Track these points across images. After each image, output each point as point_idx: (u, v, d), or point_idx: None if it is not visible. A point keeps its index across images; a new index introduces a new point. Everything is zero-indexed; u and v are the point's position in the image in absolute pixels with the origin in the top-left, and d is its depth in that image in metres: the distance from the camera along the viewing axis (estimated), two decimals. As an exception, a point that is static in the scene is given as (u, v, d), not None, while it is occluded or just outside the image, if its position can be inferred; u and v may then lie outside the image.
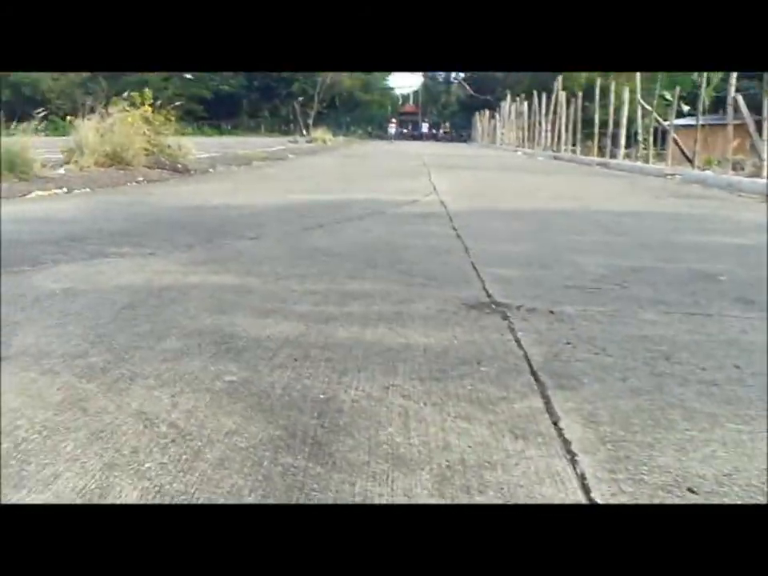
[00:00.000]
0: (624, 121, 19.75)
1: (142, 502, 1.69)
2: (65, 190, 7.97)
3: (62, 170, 9.23)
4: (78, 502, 1.58)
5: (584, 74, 51.37)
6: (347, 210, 6.33)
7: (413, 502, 1.60)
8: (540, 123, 30.47)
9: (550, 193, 9.19)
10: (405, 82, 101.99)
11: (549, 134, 29.21)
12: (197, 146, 13.98)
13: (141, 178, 9.69)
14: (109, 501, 1.56)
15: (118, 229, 5.03)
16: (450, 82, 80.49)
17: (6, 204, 6.59)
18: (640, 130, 18.95)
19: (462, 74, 78.72)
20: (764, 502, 2.45)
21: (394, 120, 57.33)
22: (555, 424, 1.75)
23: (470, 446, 1.62)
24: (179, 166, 11.27)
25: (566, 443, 1.65)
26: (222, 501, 1.56)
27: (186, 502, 1.66)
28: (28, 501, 1.56)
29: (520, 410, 1.84)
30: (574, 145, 24.87)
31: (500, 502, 1.52)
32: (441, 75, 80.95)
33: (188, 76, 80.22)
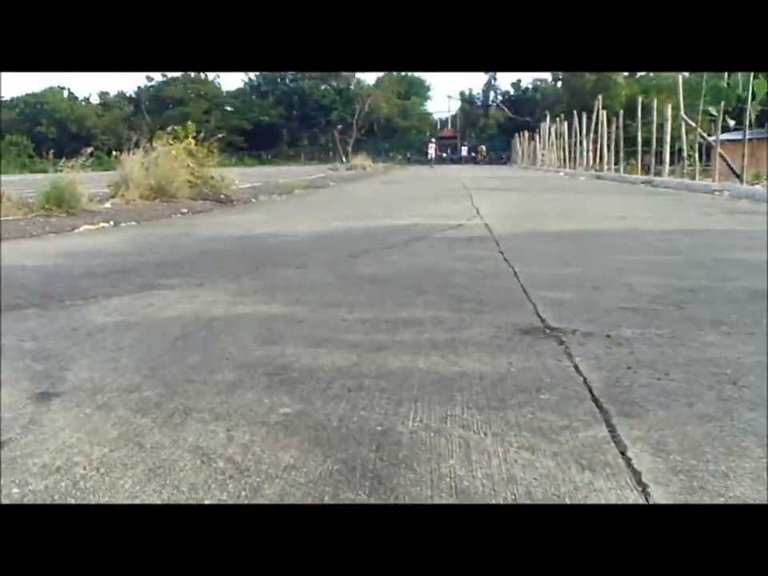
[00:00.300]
0: (668, 138, 19.58)
1: (141, 502, 1.68)
2: (111, 223, 8.11)
3: (108, 204, 9.42)
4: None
5: (624, 92, 51.29)
6: (392, 236, 6.31)
7: (413, 502, 1.56)
8: (581, 143, 30.32)
9: (595, 213, 9.08)
10: (442, 107, 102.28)
11: (591, 154, 29.04)
12: (239, 177, 14.14)
13: (185, 210, 9.82)
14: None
15: (164, 261, 5.08)
16: (488, 105, 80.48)
17: (56, 238, 6.76)
18: (685, 147, 18.77)
19: (500, 97, 78.86)
20: (764, 502, 2.40)
21: (433, 140, 55.39)
22: (623, 453, 1.69)
23: (535, 479, 1.57)
24: (222, 196, 11.41)
25: (636, 474, 1.59)
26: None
27: (186, 502, 1.63)
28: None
29: (584, 439, 1.78)
30: (616, 163, 24.67)
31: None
32: (479, 99, 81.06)
33: (228, 108, 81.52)
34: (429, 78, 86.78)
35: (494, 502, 1.50)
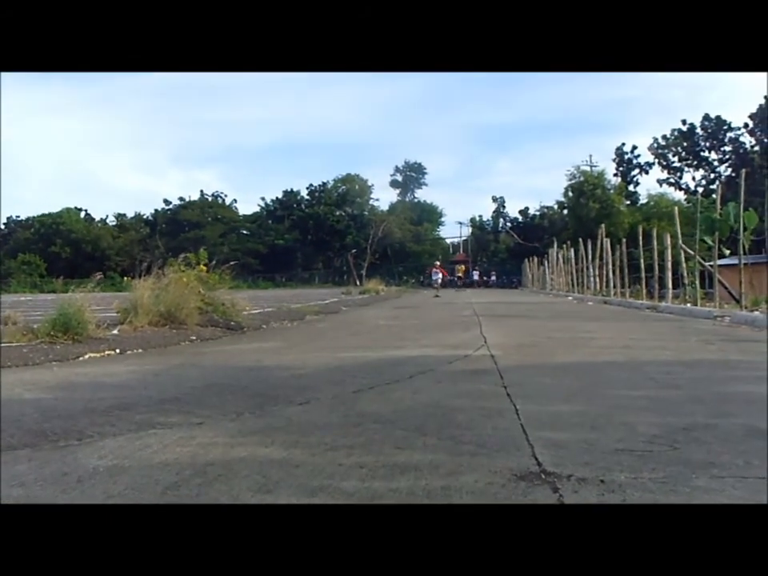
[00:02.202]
0: (669, 264, 20.07)
1: (140, 503, 1.64)
2: (117, 351, 8.14)
3: (115, 331, 9.46)
4: None
5: (627, 219, 52.36)
6: (398, 369, 6.33)
7: (412, 502, 1.52)
8: (588, 268, 30.94)
9: (600, 342, 9.07)
10: (454, 232, 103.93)
11: (597, 279, 29.67)
12: (251, 301, 14.26)
13: (194, 337, 9.88)
14: None
15: (168, 395, 5.08)
16: (498, 231, 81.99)
17: (59, 367, 6.79)
18: (685, 273, 19.17)
19: (509, 224, 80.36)
20: (764, 502, 2.30)
21: (437, 263, 49.10)
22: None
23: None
24: (233, 323, 11.48)
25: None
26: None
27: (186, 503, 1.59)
28: None
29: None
30: (623, 288, 25.02)
31: None
32: (489, 225, 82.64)
33: (244, 232, 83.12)
34: (441, 205, 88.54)
35: None
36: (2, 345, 7.78)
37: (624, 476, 2.82)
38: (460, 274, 49.66)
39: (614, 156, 71.06)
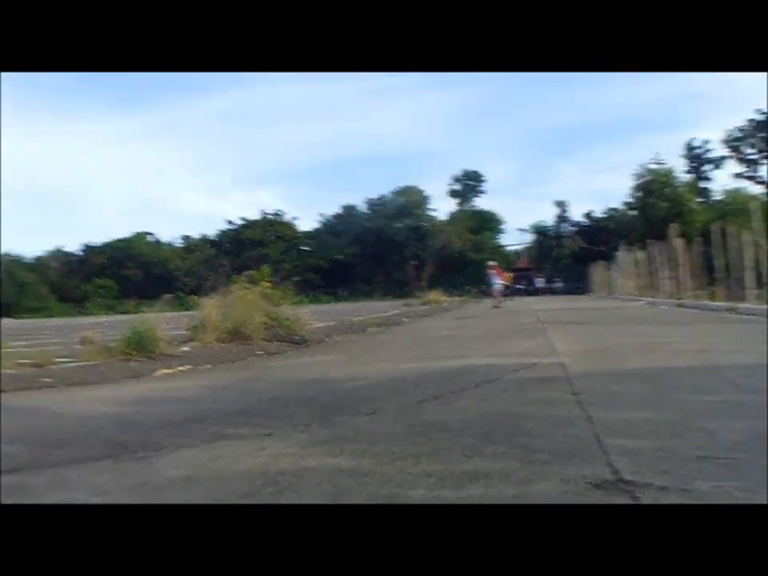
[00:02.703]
0: (748, 263, 19.19)
1: (140, 503, 1.62)
2: (188, 367, 8.32)
3: (186, 348, 9.67)
4: None
5: (700, 219, 50.76)
6: (463, 378, 6.26)
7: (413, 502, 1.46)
8: (659, 271, 29.80)
9: (675, 346, 8.81)
10: (515, 239, 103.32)
11: (670, 281, 28.45)
12: (314, 315, 14.34)
13: (260, 352, 10.00)
14: None
15: (237, 408, 5.15)
16: (561, 236, 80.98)
17: (134, 383, 7.01)
18: (766, 272, 18.36)
19: (572, 228, 79.29)
20: (764, 502, 2.20)
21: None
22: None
23: None
24: (297, 337, 11.57)
25: None
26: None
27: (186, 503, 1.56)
28: None
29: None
30: (698, 290, 24.08)
31: None
32: (551, 230, 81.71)
33: (305, 248, 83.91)
34: (500, 212, 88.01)
35: None
36: (81, 364, 8.08)
37: (707, 485, 2.70)
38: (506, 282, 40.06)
39: (683, 152, 68.32)
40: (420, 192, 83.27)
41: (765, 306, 15.98)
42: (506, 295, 35.80)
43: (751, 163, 62.51)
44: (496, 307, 27.98)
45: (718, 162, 66.18)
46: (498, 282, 32.00)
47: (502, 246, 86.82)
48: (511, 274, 42.42)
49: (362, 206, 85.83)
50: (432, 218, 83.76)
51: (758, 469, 2.89)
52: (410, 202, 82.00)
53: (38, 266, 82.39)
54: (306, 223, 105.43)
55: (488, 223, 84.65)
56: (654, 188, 57.46)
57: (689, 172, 66.04)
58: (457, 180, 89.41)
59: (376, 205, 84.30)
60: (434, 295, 38.16)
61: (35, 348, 9.65)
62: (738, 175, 62.49)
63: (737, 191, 57.60)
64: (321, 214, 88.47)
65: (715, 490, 2.63)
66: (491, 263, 38.23)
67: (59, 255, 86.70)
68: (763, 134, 59.74)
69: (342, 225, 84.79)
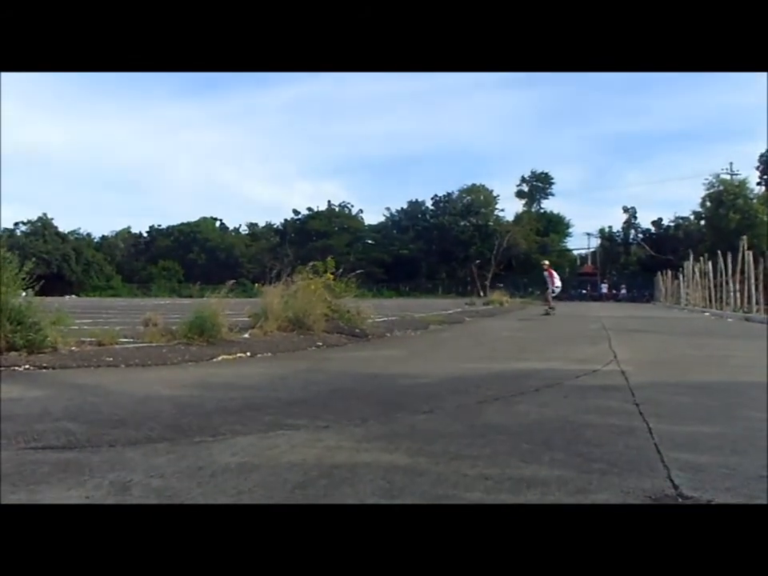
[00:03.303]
0: None
1: (139, 503, 1.63)
2: (248, 354, 8.40)
3: (246, 335, 9.76)
4: None
5: (772, 232, 49.43)
6: (523, 381, 6.21)
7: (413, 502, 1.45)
8: (727, 283, 29.16)
9: (740, 360, 8.60)
10: (582, 243, 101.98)
11: (738, 294, 27.84)
12: (375, 309, 14.38)
13: (320, 343, 10.05)
14: None
15: (295, 398, 5.19)
16: (629, 243, 79.76)
17: (194, 367, 7.13)
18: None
19: (640, 235, 78.07)
20: (764, 502, 2.13)
21: (546, 264, 29.95)
22: None
23: None
24: (357, 330, 11.60)
25: None
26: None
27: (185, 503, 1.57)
28: None
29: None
30: (766, 304, 23.52)
31: None
32: (619, 236, 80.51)
33: (370, 241, 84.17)
34: (568, 215, 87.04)
35: None
36: (143, 345, 8.27)
37: (772, 504, 2.63)
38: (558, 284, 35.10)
39: (757, 164, 67.06)
40: (487, 191, 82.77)
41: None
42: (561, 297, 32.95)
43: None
44: (547, 314, 23.48)
45: None
46: (558, 284, 26.20)
47: (569, 250, 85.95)
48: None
49: (429, 203, 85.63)
50: (498, 218, 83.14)
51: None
52: (477, 200, 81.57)
53: (105, 245, 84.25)
54: (372, 216, 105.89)
55: (555, 226, 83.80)
56: (725, 199, 56.50)
57: (762, 184, 64.54)
58: (525, 181, 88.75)
59: (443, 202, 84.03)
60: (497, 295, 37.98)
61: (98, 327, 9.85)
62: None
63: None
64: (387, 208, 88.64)
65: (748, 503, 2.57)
66: (545, 263, 36.50)
67: (126, 236, 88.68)
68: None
69: (408, 220, 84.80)
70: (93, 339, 8.15)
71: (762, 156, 65.71)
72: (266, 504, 2.58)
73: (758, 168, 65.95)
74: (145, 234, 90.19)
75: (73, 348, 7.60)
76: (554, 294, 25.64)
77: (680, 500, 2.69)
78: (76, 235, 79.94)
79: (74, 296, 55.11)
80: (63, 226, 77.90)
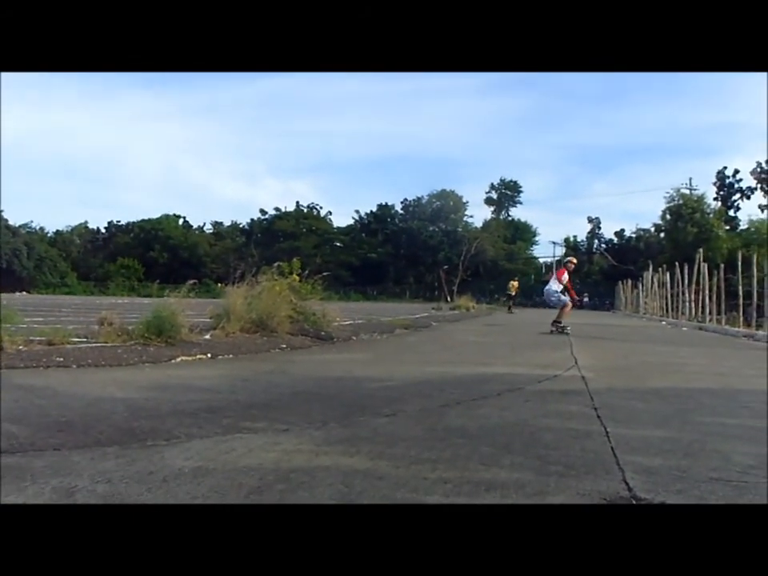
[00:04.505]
0: None
1: (139, 503, 1.63)
2: (209, 355, 8.24)
3: (207, 336, 9.61)
4: None
5: (726, 245, 50.96)
6: (486, 385, 6.25)
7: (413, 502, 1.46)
8: (683, 293, 30.18)
9: (694, 368, 8.77)
10: (547, 252, 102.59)
11: (693, 305, 28.92)
12: (342, 312, 14.34)
13: (284, 345, 9.97)
14: None
15: (255, 400, 5.14)
16: (592, 252, 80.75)
17: (151, 369, 6.96)
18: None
19: (603, 245, 79.19)
20: (764, 502, 2.18)
21: (515, 280, 41.33)
22: None
23: None
24: (323, 333, 11.55)
25: None
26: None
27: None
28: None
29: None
30: (719, 314, 24.23)
31: None
32: (583, 245, 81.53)
33: (338, 244, 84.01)
34: (535, 224, 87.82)
35: None
36: (97, 345, 8.04)
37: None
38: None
39: (714, 180, 69.16)
40: (457, 197, 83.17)
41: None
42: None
43: (778, 196, 63.20)
44: (561, 332, 16.63)
45: (746, 193, 67.38)
46: (558, 294, 18.10)
47: (535, 258, 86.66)
48: (516, 284, 40.72)
49: (398, 206, 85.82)
50: (467, 224, 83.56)
51: (769, 495, 2.87)
52: (447, 206, 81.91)
53: (60, 240, 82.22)
54: (341, 219, 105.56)
55: (522, 234, 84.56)
56: (684, 212, 58.38)
57: (718, 200, 66.85)
58: (494, 188, 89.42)
59: (412, 206, 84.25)
60: (464, 301, 38.22)
61: (50, 326, 9.45)
62: (765, 207, 63.11)
63: (762, 222, 58.90)
64: (356, 211, 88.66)
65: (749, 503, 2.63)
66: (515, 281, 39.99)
67: (83, 231, 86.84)
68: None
69: (377, 223, 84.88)
70: (43, 338, 7.83)
71: (718, 173, 68.11)
72: (224, 504, 2.57)
73: (714, 184, 68.50)
74: (103, 230, 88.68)
75: (21, 347, 7.29)
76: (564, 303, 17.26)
77: (634, 502, 2.74)
78: (28, 229, 77.48)
79: (24, 293, 53.51)
80: (13, 218, 75.88)
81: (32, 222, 79.83)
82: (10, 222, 73.49)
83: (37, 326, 9.45)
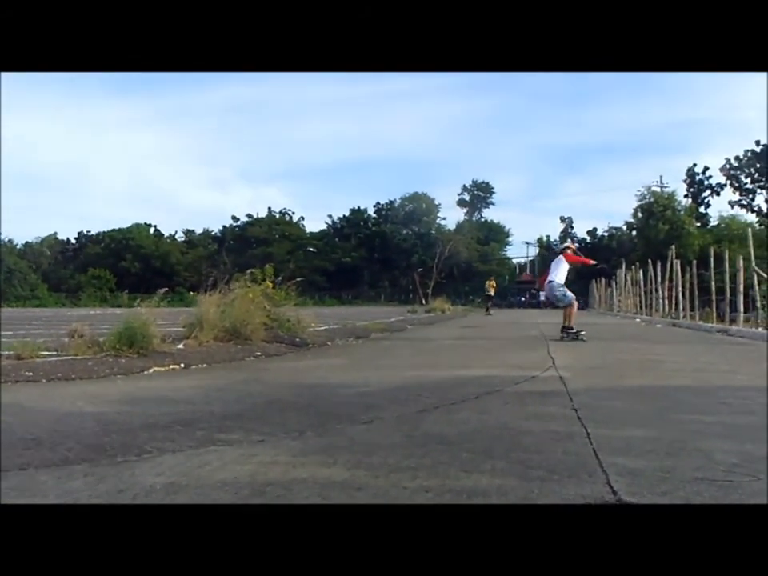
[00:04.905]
0: (741, 287, 19.54)
1: (139, 503, 1.57)
2: (182, 365, 8.12)
3: (180, 345, 9.49)
4: None
5: (697, 241, 51.57)
6: (463, 389, 6.18)
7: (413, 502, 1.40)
8: (656, 290, 30.45)
9: (671, 365, 8.77)
10: (521, 252, 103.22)
11: (666, 301, 29.18)
12: (317, 317, 14.27)
13: (259, 353, 9.86)
14: None
15: (230, 411, 5.04)
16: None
17: (123, 381, 6.83)
18: (758, 296, 18.74)
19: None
20: (764, 502, 2.17)
21: (492, 278, 41.95)
22: None
23: None
24: (298, 339, 11.47)
25: None
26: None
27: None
28: None
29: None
30: (692, 311, 24.43)
31: None
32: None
33: (311, 249, 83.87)
34: (508, 224, 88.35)
35: None
36: (67, 358, 7.88)
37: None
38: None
39: (684, 177, 69.88)
40: (429, 199, 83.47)
41: (754, 329, 16.20)
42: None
43: (747, 192, 64.41)
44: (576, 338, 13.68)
45: (716, 189, 68.14)
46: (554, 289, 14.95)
47: (508, 258, 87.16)
48: (493, 282, 40.06)
49: (371, 210, 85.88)
50: (440, 227, 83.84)
51: (756, 493, 2.80)
52: (419, 208, 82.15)
53: (29, 252, 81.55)
54: (314, 224, 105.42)
55: (495, 235, 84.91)
56: (655, 210, 59.06)
57: (689, 197, 67.55)
58: (466, 189, 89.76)
59: (385, 209, 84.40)
60: (439, 303, 38.24)
61: (18, 339, 9.13)
62: (735, 203, 64.14)
63: (733, 218, 60.04)
64: (329, 216, 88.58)
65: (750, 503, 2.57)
66: (492, 278, 39.58)
67: (53, 242, 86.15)
68: (759, 165, 61.05)
69: (350, 228, 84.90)
70: (11, 353, 7.64)
71: (688, 170, 68.80)
72: (222, 504, 2.49)
73: (685, 181, 69.11)
74: (73, 241, 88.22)
75: None
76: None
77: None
78: (-5, 241, 76.83)
79: (-6, 306, 52.97)
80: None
81: (0, 234, 79.07)
82: (-23, 235, 72.59)
83: (5, 339, 9.19)
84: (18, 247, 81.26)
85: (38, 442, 3.90)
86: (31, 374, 6.78)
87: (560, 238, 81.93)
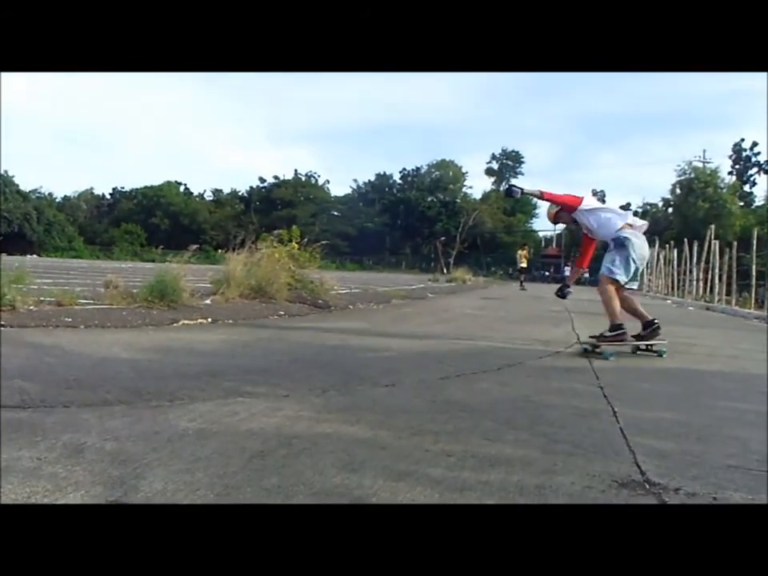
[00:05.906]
0: None
1: (138, 503, 1.58)
2: (209, 320, 8.32)
3: (208, 301, 9.66)
4: None
5: (739, 222, 49.67)
6: (486, 359, 6.16)
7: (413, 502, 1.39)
8: (691, 271, 29.16)
9: (704, 349, 8.60)
10: (548, 225, 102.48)
11: (700, 284, 27.91)
12: (339, 281, 14.29)
13: (282, 312, 9.98)
14: None
15: (255, 366, 5.09)
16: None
17: (154, 331, 7.00)
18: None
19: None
20: (764, 502, 2.16)
21: (525, 247, 38.10)
22: None
23: None
24: (320, 301, 11.52)
25: None
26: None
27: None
28: None
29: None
30: (728, 295, 23.59)
31: None
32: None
33: (335, 213, 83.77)
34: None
35: None
36: (103, 307, 8.15)
37: (739, 495, 2.56)
38: (524, 263, 36.18)
39: (730, 152, 67.05)
40: (456, 167, 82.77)
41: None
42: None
43: (798, 171, 61.06)
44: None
45: (764, 167, 64.65)
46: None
47: (534, 231, 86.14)
48: (525, 252, 36.98)
49: (397, 176, 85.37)
50: (466, 195, 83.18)
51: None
52: (446, 176, 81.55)
53: (67, 206, 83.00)
54: (339, 188, 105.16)
55: (522, 206, 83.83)
56: (695, 187, 56.26)
57: (733, 174, 64.52)
58: (495, 158, 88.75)
59: (411, 176, 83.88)
60: (460, 273, 38.07)
61: (59, 287, 9.72)
62: None
63: None
64: (354, 180, 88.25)
65: (749, 502, 2.50)
66: (526, 246, 35.34)
67: (89, 197, 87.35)
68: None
69: (375, 193, 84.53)
70: (52, 299, 8.01)
71: (735, 145, 66.09)
72: (220, 504, 2.51)
73: (730, 157, 66.29)
74: (108, 196, 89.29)
75: (31, 307, 7.46)
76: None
77: (647, 486, 2.64)
78: (38, 194, 78.52)
79: (34, 256, 54.69)
80: (24, 184, 76.42)
81: (41, 187, 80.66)
82: (21, 188, 74.06)
83: (46, 287, 9.65)
84: (57, 200, 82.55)
85: (78, 382, 4.08)
86: (70, 320, 7.09)
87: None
